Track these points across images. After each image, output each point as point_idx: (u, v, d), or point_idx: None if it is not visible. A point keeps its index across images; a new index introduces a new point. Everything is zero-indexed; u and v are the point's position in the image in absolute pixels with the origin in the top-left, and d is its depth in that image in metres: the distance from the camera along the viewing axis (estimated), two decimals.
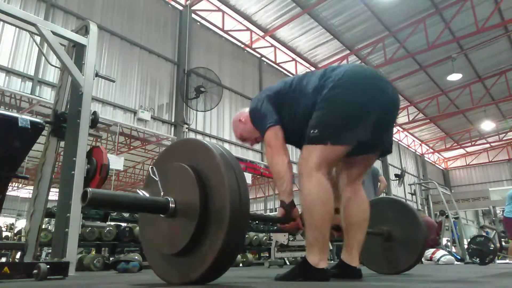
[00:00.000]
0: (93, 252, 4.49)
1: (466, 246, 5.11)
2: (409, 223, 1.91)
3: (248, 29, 8.97)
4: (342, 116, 1.31)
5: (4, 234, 8.01)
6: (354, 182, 1.50)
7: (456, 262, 4.89)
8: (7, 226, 8.76)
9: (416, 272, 2.17)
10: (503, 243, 5.83)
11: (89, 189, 0.92)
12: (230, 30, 8.78)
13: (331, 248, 4.42)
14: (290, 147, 1.48)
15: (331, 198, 1.33)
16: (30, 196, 2.33)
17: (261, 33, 9.16)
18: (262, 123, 1.45)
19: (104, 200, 0.97)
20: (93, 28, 2.36)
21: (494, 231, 6.85)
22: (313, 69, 10.29)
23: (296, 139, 1.44)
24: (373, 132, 1.33)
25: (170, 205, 1.08)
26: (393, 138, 1.53)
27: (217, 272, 1.06)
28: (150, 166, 1.22)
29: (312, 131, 1.33)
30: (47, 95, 5.31)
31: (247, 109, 1.63)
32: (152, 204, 1.09)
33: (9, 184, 1.92)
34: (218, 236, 0.97)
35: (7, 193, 1.90)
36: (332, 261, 4.31)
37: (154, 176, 1.14)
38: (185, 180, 1.08)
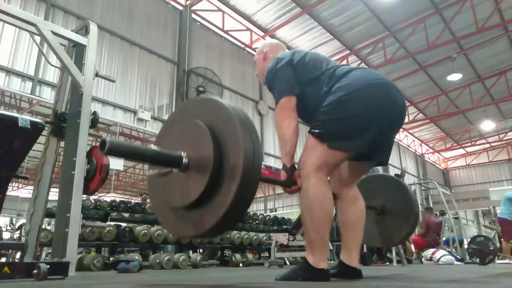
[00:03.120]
0: (93, 252, 4.49)
1: (466, 246, 5.11)
2: (401, 197, 1.98)
3: (248, 29, 8.97)
4: (346, 125, 1.32)
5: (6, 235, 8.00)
6: (350, 184, 1.50)
7: (456, 262, 4.89)
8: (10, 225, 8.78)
9: (416, 272, 2.17)
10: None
11: (108, 138, 0.99)
12: (230, 30, 8.78)
13: (331, 248, 4.42)
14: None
15: (330, 199, 1.34)
16: (30, 196, 2.33)
17: (261, 33, 9.15)
18: (279, 88, 1.42)
19: (120, 150, 1.03)
20: (93, 28, 2.35)
21: (494, 231, 6.85)
22: None
23: (303, 116, 1.46)
24: (373, 143, 1.34)
25: (184, 159, 1.12)
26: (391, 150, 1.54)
27: (230, 221, 1.09)
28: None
29: (313, 130, 1.36)
30: (47, 95, 5.31)
31: (268, 43, 1.69)
32: (165, 157, 1.13)
33: (9, 184, 1.92)
34: (231, 188, 1.01)
35: (7, 193, 1.90)
36: (332, 261, 4.31)
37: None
38: (199, 136, 1.11)
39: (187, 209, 1.11)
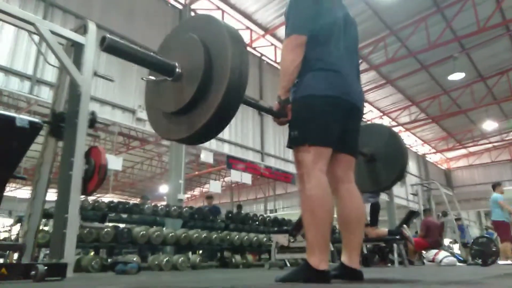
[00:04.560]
0: (91, 254, 4.47)
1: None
2: (390, 143, 2.04)
3: (248, 28, 8.95)
4: (312, 120, 1.38)
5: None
6: (344, 180, 1.49)
7: (458, 263, 4.86)
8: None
9: (418, 274, 2.15)
10: None
11: (108, 36, 1.04)
12: None
13: (332, 249, 4.39)
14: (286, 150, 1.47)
15: (331, 198, 1.35)
16: (28, 197, 2.32)
17: (261, 32, 9.13)
18: (294, 22, 1.42)
19: (119, 49, 1.10)
20: (92, 27, 2.34)
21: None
22: None
23: None
24: (341, 135, 1.42)
25: (177, 69, 1.21)
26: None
27: (218, 123, 1.17)
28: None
29: (292, 133, 1.40)
30: (45, 94, 5.29)
31: None
32: (160, 63, 1.22)
33: (7, 185, 1.91)
34: (219, 92, 1.09)
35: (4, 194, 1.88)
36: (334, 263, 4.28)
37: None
38: (191, 47, 1.20)
39: (179, 114, 1.20)
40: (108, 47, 1.04)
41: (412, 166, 15.48)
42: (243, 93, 1.14)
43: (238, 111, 1.20)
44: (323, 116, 1.38)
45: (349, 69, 1.49)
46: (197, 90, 1.13)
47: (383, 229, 4.47)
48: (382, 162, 2.00)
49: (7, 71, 4.96)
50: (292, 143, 1.40)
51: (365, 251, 4.36)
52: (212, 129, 1.17)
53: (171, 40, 1.37)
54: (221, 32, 1.16)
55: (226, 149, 8.06)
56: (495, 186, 5.53)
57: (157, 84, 1.29)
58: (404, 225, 4.62)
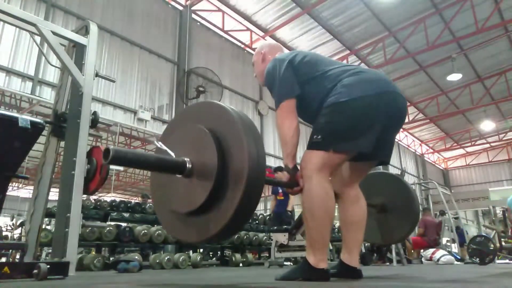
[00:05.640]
0: (93, 252, 4.49)
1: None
2: (401, 194, 1.95)
3: (248, 29, 8.97)
4: (347, 126, 1.33)
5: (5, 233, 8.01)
6: (352, 184, 1.50)
7: (456, 262, 4.89)
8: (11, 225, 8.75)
9: (416, 272, 2.18)
10: (503, 243, 5.83)
11: (111, 147, 0.98)
12: (230, 30, 8.78)
13: (331, 248, 4.42)
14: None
15: (332, 200, 1.34)
16: (30, 196, 2.33)
17: (261, 33, 9.15)
18: (279, 91, 1.41)
19: (124, 158, 1.01)
20: (93, 28, 2.35)
21: (494, 231, 6.85)
22: None
23: (303, 116, 1.46)
24: (375, 142, 1.35)
25: (187, 165, 1.10)
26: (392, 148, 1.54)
27: (236, 227, 1.09)
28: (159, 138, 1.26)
29: (315, 136, 1.35)
30: (47, 95, 5.31)
31: (266, 44, 1.68)
32: (169, 164, 1.11)
33: (9, 184, 1.92)
34: (236, 194, 0.99)
35: (7, 193, 1.90)
36: (333, 261, 4.30)
37: (161, 146, 1.16)
38: (202, 141, 1.09)
39: (191, 215, 1.10)
40: (113, 159, 0.96)
41: (410, 166, 15.52)
42: (261, 189, 1.05)
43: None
44: (361, 120, 1.31)
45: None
46: (211, 192, 1.03)
47: None
48: (393, 213, 1.91)
49: (9, 71, 4.97)
50: (314, 147, 1.34)
51: (363, 250, 4.39)
52: (229, 232, 1.08)
53: (177, 129, 1.24)
54: (232, 122, 1.05)
55: None
56: None
57: (165, 177, 1.18)
58: None
